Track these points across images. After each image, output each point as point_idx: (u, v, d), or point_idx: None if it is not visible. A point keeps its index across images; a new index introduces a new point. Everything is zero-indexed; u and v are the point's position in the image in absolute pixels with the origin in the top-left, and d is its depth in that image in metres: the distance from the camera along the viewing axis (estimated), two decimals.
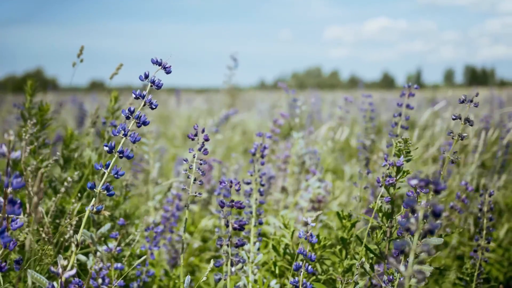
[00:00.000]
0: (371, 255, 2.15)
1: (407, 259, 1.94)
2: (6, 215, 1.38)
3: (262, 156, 2.41)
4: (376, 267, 2.47)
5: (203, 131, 1.97)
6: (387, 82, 78.66)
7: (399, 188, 2.09)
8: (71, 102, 10.08)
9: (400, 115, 2.62)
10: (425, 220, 1.13)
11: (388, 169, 2.09)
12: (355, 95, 13.73)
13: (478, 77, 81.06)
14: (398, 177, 2.09)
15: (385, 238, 2.15)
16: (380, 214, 2.15)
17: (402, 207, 2.15)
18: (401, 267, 1.15)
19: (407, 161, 2.10)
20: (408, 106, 2.62)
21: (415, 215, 1.13)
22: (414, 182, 1.16)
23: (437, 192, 1.12)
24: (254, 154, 2.40)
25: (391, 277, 1.95)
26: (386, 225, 2.13)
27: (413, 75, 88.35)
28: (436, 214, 1.08)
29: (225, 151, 5.87)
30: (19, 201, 1.38)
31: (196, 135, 1.97)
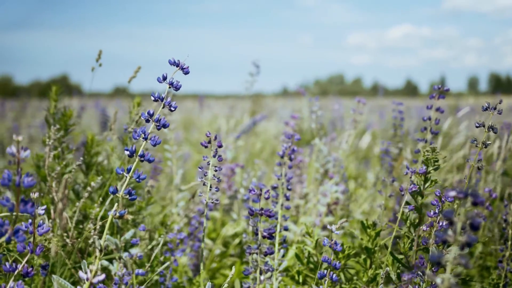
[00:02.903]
0: (398, 264, 2.13)
1: (433, 269, 1.93)
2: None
3: (290, 159, 2.36)
4: (405, 276, 2.45)
5: (216, 137, 1.96)
6: (410, 90, 78.06)
7: (426, 197, 2.07)
8: (95, 108, 10.16)
9: (429, 119, 2.51)
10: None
11: (410, 177, 2.07)
12: (376, 103, 13.67)
13: (502, 85, 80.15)
14: (426, 186, 2.07)
15: (412, 247, 2.12)
16: (408, 223, 2.13)
17: (426, 216, 2.13)
18: (438, 280, 1.13)
19: (435, 169, 2.08)
20: (438, 109, 2.54)
21: (453, 226, 1.11)
22: (452, 194, 1.14)
23: (475, 204, 1.10)
24: (282, 157, 2.36)
25: (417, 287, 1.93)
26: (414, 234, 2.11)
27: (436, 82, 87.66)
28: (475, 227, 1.07)
29: (248, 157, 5.87)
30: (31, 200, 1.39)
31: (209, 142, 1.95)
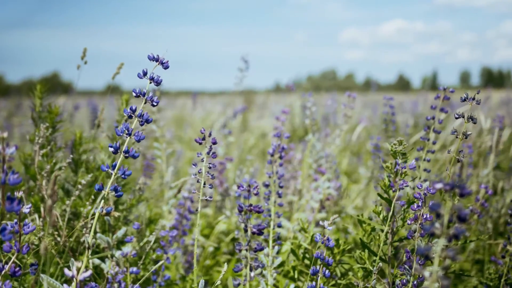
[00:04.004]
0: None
1: (420, 262, 1.92)
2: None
3: (281, 157, 2.36)
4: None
5: (210, 134, 1.94)
6: (402, 85, 78.11)
7: (400, 189, 2.06)
8: (87, 106, 10.12)
9: (433, 118, 2.56)
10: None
11: (393, 171, 2.06)
12: (369, 98, 13.67)
13: (494, 79, 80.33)
14: (396, 180, 2.06)
15: (386, 241, 2.13)
16: (381, 217, 2.12)
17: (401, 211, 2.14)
18: (426, 273, 1.11)
19: (404, 162, 2.07)
20: (442, 109, 2.56)
21: (441, 219, 1.09)
22: (439, 186, 1.12)
23: (462, 196, 1.08)
24: (272, 155, 2.36)
25: (404, 281, 1.92)
26: (386, 228, 2.11)
27: (429, 77, 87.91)
28: (462, 219, 1.05)
29: (241, 153, 5.85)
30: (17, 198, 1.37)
31: (204, 139, 1.93)
